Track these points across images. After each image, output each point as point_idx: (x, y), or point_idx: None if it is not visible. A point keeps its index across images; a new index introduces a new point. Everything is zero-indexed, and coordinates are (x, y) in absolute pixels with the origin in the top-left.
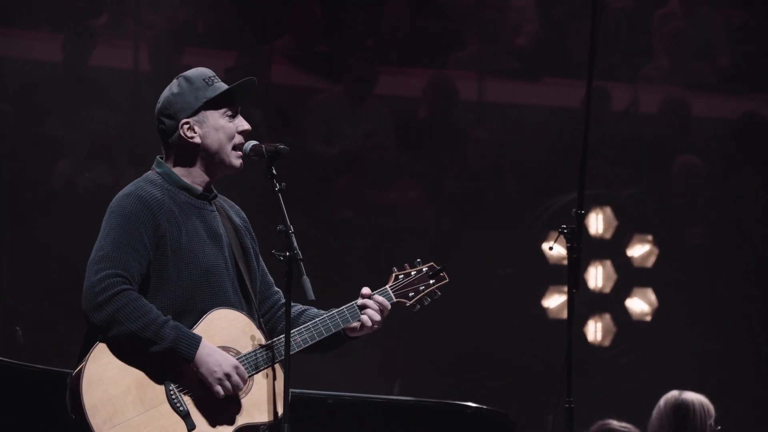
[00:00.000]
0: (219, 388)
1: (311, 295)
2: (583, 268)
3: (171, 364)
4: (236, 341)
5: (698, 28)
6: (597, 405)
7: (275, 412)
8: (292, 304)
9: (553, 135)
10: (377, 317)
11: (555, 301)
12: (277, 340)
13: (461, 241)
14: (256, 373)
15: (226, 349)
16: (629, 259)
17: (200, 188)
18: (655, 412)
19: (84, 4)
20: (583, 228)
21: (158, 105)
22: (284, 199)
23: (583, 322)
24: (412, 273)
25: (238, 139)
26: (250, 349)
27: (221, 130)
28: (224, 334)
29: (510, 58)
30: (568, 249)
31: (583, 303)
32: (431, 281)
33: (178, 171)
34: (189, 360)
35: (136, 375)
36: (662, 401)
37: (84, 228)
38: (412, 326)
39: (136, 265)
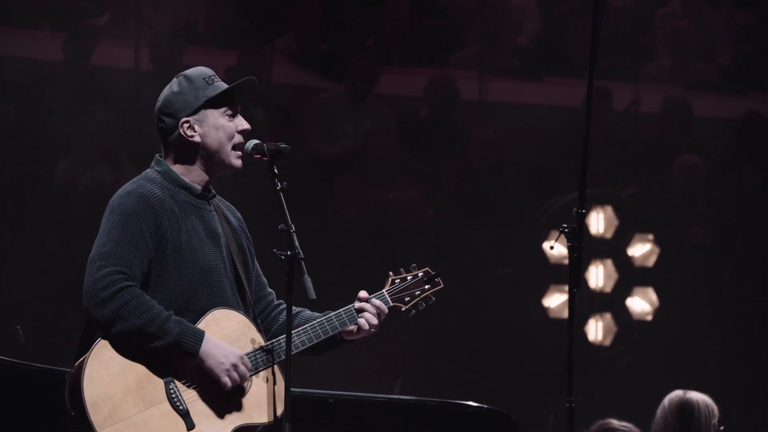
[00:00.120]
0: (227, 380)
1: (312, 295)
2: (584, 268)
3: (172, 361)
4: (236, 342)
5: (699, 27)
6: (598, 404)
7: (274, 413)
8: (286, 305)
9: (554, 134)
10: (374, 321)
11: (556, 300)
12: (276, 341)
13: (462, 241)
14: (255, 373)
15: None
16: (630, 259)
17: (199, 187)
18: (659, 412)
19: (85, 3)
20: (584, 227)
21: (158, 103)
22: (285, 198)
23: (584, 322)
24: (408, 278)
25: (238, 138)
26: (249, 349)
27: (221, 129)
28: (224, 334)
29: (511, 57)
30: (569, 248)
31: (584, 302)
32: (426, 286)
33: (178, 170)
34: (194, 354)
35: (138, 372)
36: (666, 401)
37: (85, 227)
38: (413, 326)
39: (138, 262)
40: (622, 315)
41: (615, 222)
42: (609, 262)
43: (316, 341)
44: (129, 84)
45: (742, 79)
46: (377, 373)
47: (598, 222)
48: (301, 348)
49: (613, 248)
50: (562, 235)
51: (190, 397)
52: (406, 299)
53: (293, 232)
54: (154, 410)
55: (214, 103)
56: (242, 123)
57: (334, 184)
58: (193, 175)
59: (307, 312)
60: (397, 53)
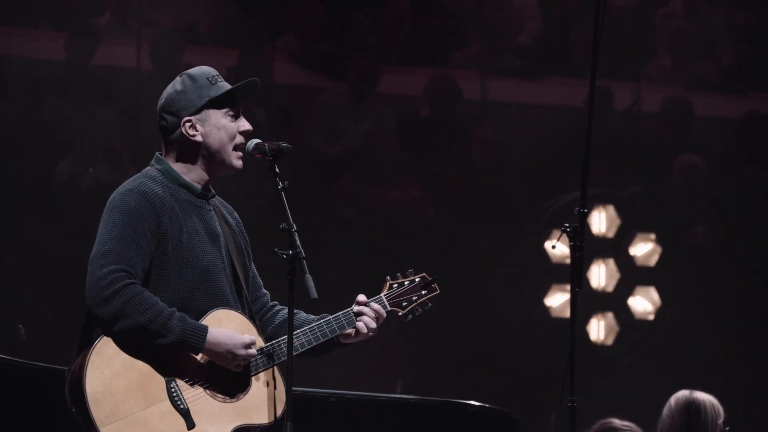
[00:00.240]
0: (237, 362)
1: (314, 294)
2: (586, 267)
3: (175, 359)
4: None
5: (701, 27)
6: (599, 404)
7: (273, 414)
8: (281, 307)
9: (556, 134)
10: (373, 325)
11: (558, 299)
12: (275, 343)
13: (463, 240)
14: (256, 374)
15: None
16: (632, 258)
17: (199, 187)
18: (665, 411)
19: (86, 3)
20: (585, 227)
21: (161, 101)
22: (287, 197)
23: (586, 321)
24: (405, 283)
25: (239, 139)
26: None
27: (223, 129)
28: None
29: (512, 56)
30: (571, 248)
31: (586, 302)
32: (423, 292)
33: (179, 168)
34: (198, 350)
35: (139, 370)
36: (673, 400)
37: (86, 226)
38: (414, 325)
39: (140, 261)
40: (623, 314)
41: (617, 221)
42: (611, 262)
43: (315, 344)
44: (130, 83)
45: (742, 79)
46: (379, 373)
47: (600, 221)
48: (300, 350)
49: (614, 248)
50: (564, 235)
51: (191, 397)
52: (404, 304)
53: (295, 231)
54: (155, 408)
55: (216, 103)
56: (244, 124)
57: (335, 184)
58: (194, 175)
59: (302, 314)
60: (398, 53)
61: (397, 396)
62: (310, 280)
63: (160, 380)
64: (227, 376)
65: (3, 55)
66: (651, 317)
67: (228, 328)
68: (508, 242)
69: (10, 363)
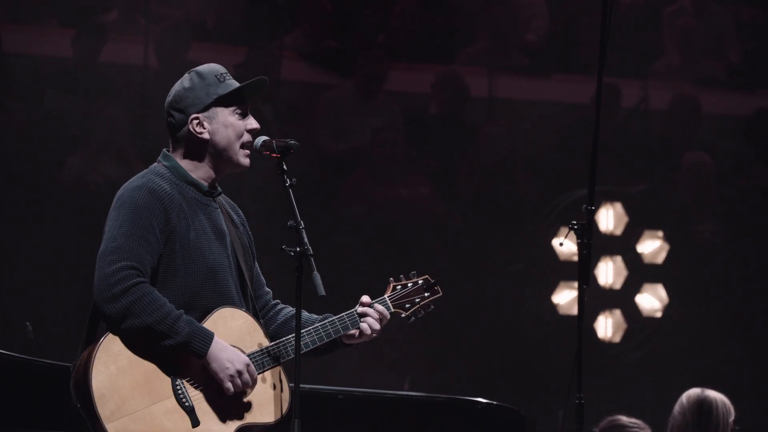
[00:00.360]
0: (229, 385)
1: (321, 291)
2: (594, 264)
3: (180, 358)
4: (242, 341)
5: (708, 24)
6: (607, 401)
7: (278, 413)
8: (283, 306)
9: (563, 131)
10: (377, 326)
11: (565, 297)
12: (280, 342)
13: (471, 237)
14: (261, 373)
15: None
16: (639, 255)
17: (206, 184)
18: (677, 408)
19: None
20: (593, 224)
21: (169, 98)
22: (294, 194)
23: (594, 318)
24: (409, 285)
25: (247, 137)
26: (254, 349)
27: (230, 127)
28: (230, 333)
29: (520, 54)
30: (579, 245)
31: (594, 299)
32: (426, 294)
33: (186, 165)
34: (201, 355)
35: (145, 367)
36: (684, 397)
37: (94, 223)
38: (422, 322)
39: (149, 258)
40: (631, 311)
41: (624, 219)
42: (618, 259)
43: (319, 344)
44: (138, 80)
45: (751, 76)
46: (387, 369)
47: (608, 219)
48: (304, 350)
49: (622, 245)
50: (572, 232)
51: (196, 395)
52: (407, 306)
53: (302, 228)
54: (160, 405)
55: (224, 101)
56: (252, 122)
57: (343, 181)
58: (201, 172)
59: (305, 314)
60: (406, 50)
61: (405, 393)
62: (317, 277)
63: (165, 377)
64: None
65: (11, 51)
66: (658, 314)
67: (232, 326)
68: (516, 239)
69: (18, 360)
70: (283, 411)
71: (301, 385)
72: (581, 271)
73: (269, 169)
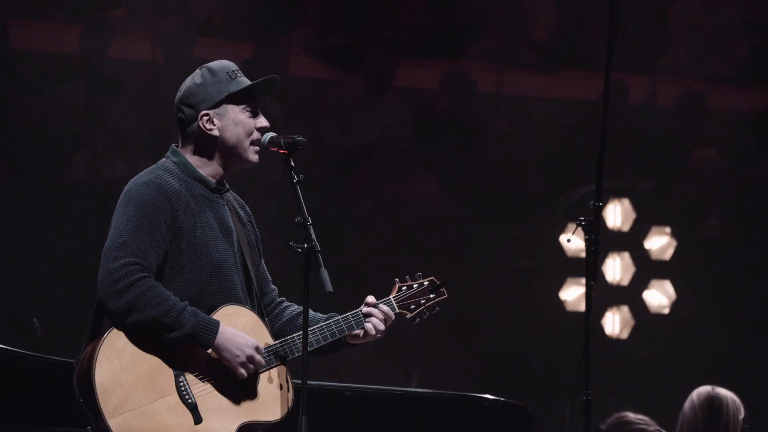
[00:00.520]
0: (242, 371)
1: (329, 287)
2: (601, 261)
3: (184, 353)
4: None
5: (716, 20)
6: (614, 397)
7: (281, 412)
8: (288, 304)
9: (571, 127)
10: (381, 326)
11: (573, 293)
12: (284, 341)
13: (479, 233)
14: (265, 371)
15: None
16: (647, 252)
17: (214, 181)
18: (687, 405)
19: None
20: (601, 220)
21: (179, 94)
22: (302, 190)
23: (601, 315)
24: (414, 286)
25: (256, 135)
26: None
27: (240, 125)
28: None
29: (528, 50)
30: (586, 241)
31: (601, 295)
32: (431, 295)
33: (194, 162)
34: (208, 345)
35: (149, 363)
36: (695, 394)
37: (101, 220)
38: (429, 319)
39: (154, 254)
40: (639, 308)
41: (632, 215)
42: (626, 255)
43: (323, 343)
44: (145, 76)
45: (758, 72)
46: (395, 366)
47: (615, 215)
48: (309, 349)
49: (630, 241)
50: (579, 228)
51: (199, 391)
52: (412, 307)
53: (310, 224)
54: (163, 402)
55: (235, 98)
56: (262, 121)
57: (350, 177)
58: (209, 169)
59: (310, 312)
60: (414, 46)
61: (413, 390)
62: (325, 273)
63: (169, 374)
64: None
65: (18, 48)
66: (666, 311)
67: (237, 324)
68: (524, 235)
69: (26, 356)
70: (287, 409)
71: (308, 382)
72: (588, 268)
73: (277, 165)
